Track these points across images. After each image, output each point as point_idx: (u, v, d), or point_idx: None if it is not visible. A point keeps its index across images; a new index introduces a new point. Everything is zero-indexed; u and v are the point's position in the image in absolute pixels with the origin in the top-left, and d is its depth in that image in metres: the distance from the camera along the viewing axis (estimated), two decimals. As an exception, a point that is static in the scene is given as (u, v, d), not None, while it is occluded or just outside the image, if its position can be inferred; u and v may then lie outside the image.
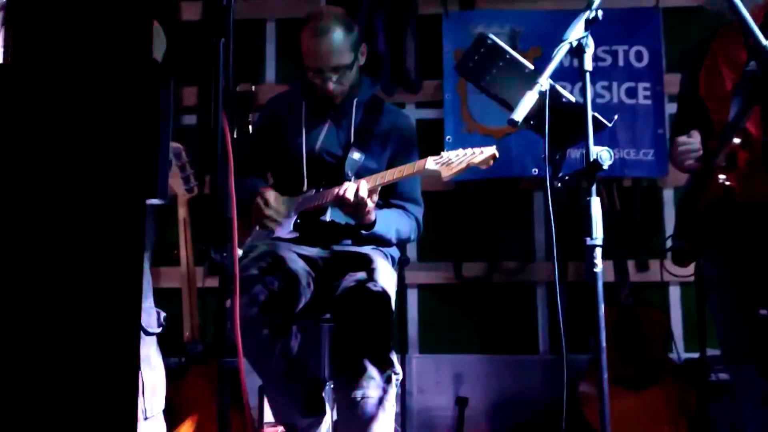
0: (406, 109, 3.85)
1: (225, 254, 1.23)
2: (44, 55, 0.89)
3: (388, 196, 2.48)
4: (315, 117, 2.53)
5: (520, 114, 1.53)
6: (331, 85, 2.40)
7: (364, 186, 2.15)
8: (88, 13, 0.92)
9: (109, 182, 0.90)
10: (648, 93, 3.75)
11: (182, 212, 3.02)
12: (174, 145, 3.10)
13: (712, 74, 2.35)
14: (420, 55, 3.87)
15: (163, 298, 3.73)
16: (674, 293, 3.71)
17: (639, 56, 3.78)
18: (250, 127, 3.81)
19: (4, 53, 0.90)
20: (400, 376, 2.12)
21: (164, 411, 1.92)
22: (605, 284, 3.52)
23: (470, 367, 3.75)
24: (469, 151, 2.09)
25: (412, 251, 3.82)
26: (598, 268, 1.64)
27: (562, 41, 1.64)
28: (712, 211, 2.28)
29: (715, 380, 3.29)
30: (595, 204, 1.66)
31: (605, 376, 1.60)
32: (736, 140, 2.15)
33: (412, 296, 3.81)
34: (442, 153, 2.13)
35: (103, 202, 0.89)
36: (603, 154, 1.62)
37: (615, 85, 3.75)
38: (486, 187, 3.81)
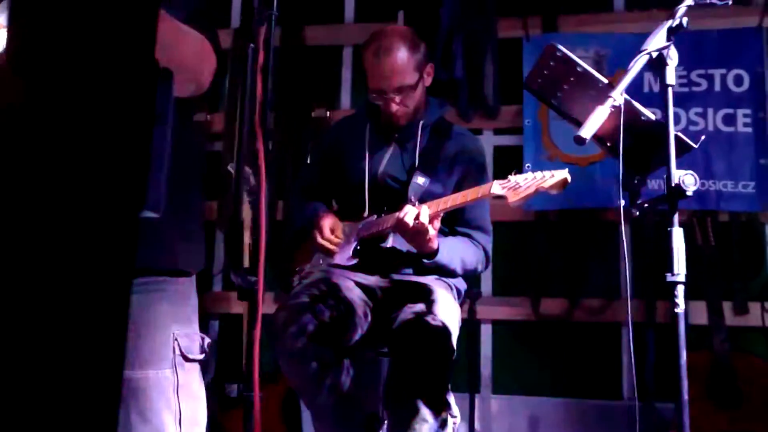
0: (484, 135, 3.71)
1: (243, 276, 1.12)
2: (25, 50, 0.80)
3: (455, 224, 2.33)
4: (379, 140, 2.42)
5: (588, 130, 1.36)
6: (394, 107, 2.28)
7: (425, 211, 2.02)
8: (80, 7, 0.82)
9: (89, 191, 0.78)
10: (749, 120, 3.45)
11: (247, 236, 2.96)
12: (245, 169, 3.06)
13: None
14: (499, 79, 3.72)
15: (230, 324, 3.74)
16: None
17: (738, 80, 3.49)
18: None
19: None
20: (458, 420, 1.95)
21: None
22: (698, 327, 3.31)
23: (547, 411, 3.50)
24: (539, 174, 1.92)
25: (486, 284, 3.63)
26: (680, 308, 1.43)
27: (641, 51, 1.47)
28: None
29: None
30: (677, 235, 1.46)
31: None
32: None
33: (486, 332, 3.61)
34: (510, 177, 1.97)
35: (80, 213, 0.78)
36: (687, 179, 1.42)
37: (710, 111, 3.47)
38: (568, 217, 3.59)
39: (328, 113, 3.81)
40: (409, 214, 2.02)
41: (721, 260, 3.27)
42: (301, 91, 3.89)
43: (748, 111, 3.45)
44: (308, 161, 3.75)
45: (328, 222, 2.32)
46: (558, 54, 1.55)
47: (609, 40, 3.59)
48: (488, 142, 3.71)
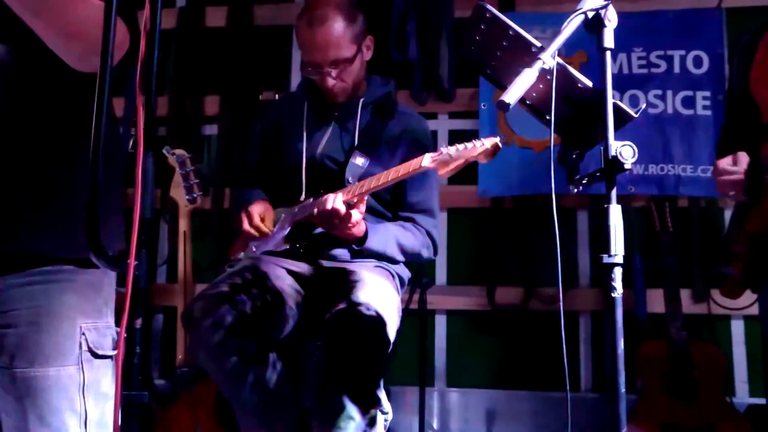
0: (439, 119, 3.59)
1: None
2: None
3: (397, 208, 2.19)
4: (318, 119, 2.28)
5: (512, 95, 1.23)
6: (330, 82, 2.13)
7: (339, 199, 1.88)
8: None
9: None
10: (708, 103, 3.36)
11: (183, 224, 2.80)
12: (179, 152, 2.90)
13: (765, 67, 1.98)
14: (454, 61, 3.58)
15: (174, 317, 3.56)
16: (737, 328, 3.27)
17: (698, 62, 3.40)
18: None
19: None
20: (390, 416, 1.81)
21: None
22: (655, 316, 3.21)
23: (504, 404, 3.39)
24: (469, 144, 1.80)
25: (441, 273, 3.50)
26: (618, 292, 1.31)
27: (576, 11, 1.33)
28: (764, 234, 1.91)
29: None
30: (615, 213, 1.34)
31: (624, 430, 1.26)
32: None
33: (440, 323, 3.49)
34: (441, 149, 1.84)
35: None
36: (625, 150, 1.30)
37: (670, 93, 3.37)
38: (524, 204, 3.48)
39: (277, 96, 3.64)
40: (327, 201, 1.89)
41: (680, 246, 3.17)
42: (249, 73, 3.72)
43: (707, 93, 3.36)
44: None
45: (257, 208, 2.18)
46: (488, 15, 1.41)
47: (566, 20, 3.46)
48: (443, 125, 3.59)
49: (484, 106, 3.56)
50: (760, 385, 3.09)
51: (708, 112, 3.35)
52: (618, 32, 1.41)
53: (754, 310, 2.53)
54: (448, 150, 1.82)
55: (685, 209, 3.35)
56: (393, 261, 2.15)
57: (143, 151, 1.02)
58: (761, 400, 2.99)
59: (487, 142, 1.78)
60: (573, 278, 3.45)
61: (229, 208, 3.59)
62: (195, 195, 2.81)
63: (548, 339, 3.43)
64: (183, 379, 2.46)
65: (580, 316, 3.42)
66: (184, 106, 3.73)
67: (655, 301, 3.23)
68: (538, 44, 1.40)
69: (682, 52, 3.41)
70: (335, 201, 1.88)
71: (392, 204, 2.21)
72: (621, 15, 1.43)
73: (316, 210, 1.92)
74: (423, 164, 1.85)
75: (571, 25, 1.32)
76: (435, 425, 3.39)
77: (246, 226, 2.13)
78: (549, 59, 1.26)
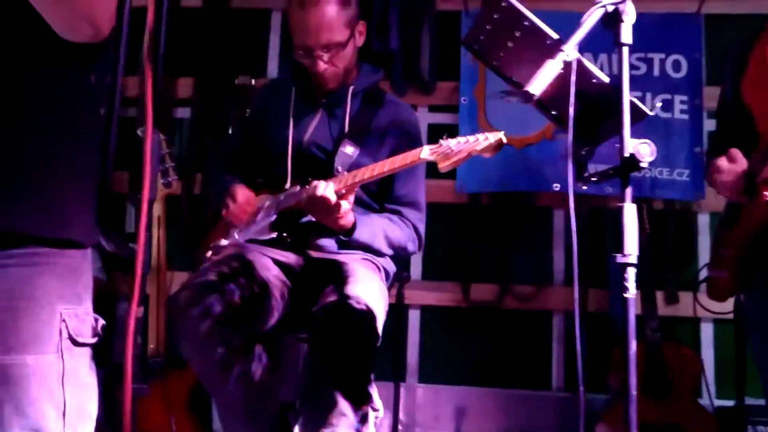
0: (418, 112, 3.52)
1: (126, 245, 0.90)
2: None
3: (384, 200, 2.14)
4: (305, 106, 2.21)
5: (537, 86, 1.18)
6: (322, 66, 2.07)
7: (330, 187, 1.82)
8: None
9: None
10: (685, 107, 3.39)
11: (157, 209, 2.70)
12: (158, 135, 2.80)
13: (759, 75, 1.99)
14: (436, 54, 3.54)
15: (141, 305, 3.46)
16: (707, 331, 3.31)
17: (677, 66, 3.43)
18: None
19: None
20: (381, 414, 1.77)
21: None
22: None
23: (475, 401, 3.37)
24: (471, 137, 1.76)
25: (416, 268, 3.47)
26: (631, 293, 1.28)
27: (595, 3, 1.30)
28: (757, 236, 1.91)
29: (755, 434, 2.89)
30: (630, 212, 1.31)
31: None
32: None
33: (414, 318, 3.45)
34: (441, 141, 1.79)
35: None
36: (642, 148, 1.27)
37: (649, 96, 3.39)
38: (501, 201, 3.46)
39: (253, 81, 3.55)
40: (318, 188, 1.83)
41: (656, 249, 3.19)
42: (225, 57, 3.62)
43: (685, 98, 3.39)
44: (230, 131, 3.50)
45: (241, 192, 2.10)
46: (503, 4, 1.37)
47: (550, 18, 3.44)
48: (422, 119, 3.52)
49: (464, 100, 3.53)
50: (727, 387, 3.13)
51: (685, 116, 3.38)
52: (600, 33, 1.38)
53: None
54: (448, 143, 1.78)
55: (660, 212, 3.38)
56: (379, 254, 2.10)
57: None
58: (729, 402, 3.03)
59: (491, 137, 1.75)
60: (548, 277, 3.45)
61: (201, 193, 3.49)
62: (170, 179, 2.72)
63: (522, 337, 3.43)
64: (156, 369, 2.38)
65: (554, 315, 3.42)
66: (157, 87, 3.60)
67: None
68: (555, 36, 1.36)
69: (662, 56, 3.44)
70: (326, 189, 1.82)
71: (379, 195, 2.16)
72: (575, 15, 1.41)
73: (305, 195, 1.86)
74: (422, 156, 1.80)
75: (590, 19, 1.28)
76: (404, 420, 3.36)
77: (232, 206, 2.06)
78: (572, 51, 1.22)
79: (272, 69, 3.68)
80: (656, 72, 3.41)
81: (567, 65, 1.26)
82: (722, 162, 1.90)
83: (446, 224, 3.49)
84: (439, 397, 3.38)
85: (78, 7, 1.11)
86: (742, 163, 1.89)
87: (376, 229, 2.03)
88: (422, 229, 2.21)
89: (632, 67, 3.39)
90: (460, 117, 3.50)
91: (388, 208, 2.14)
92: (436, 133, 3.66)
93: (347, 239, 1.95)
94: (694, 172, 3.34)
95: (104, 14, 1.19)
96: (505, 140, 1.74)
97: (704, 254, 3.36)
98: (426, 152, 1.80)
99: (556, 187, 3.40)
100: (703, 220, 3.39)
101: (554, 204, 3.49)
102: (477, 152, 1.74)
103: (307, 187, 2.07)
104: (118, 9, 1.14)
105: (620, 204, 1.32)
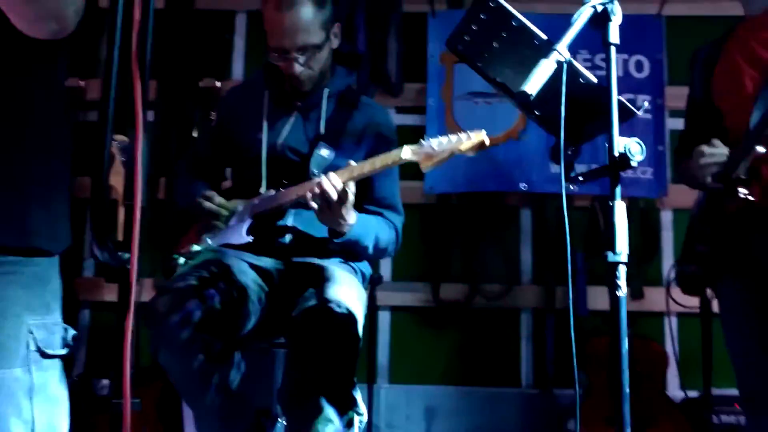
0: (385, 114, 3.53)
1: (118, 254, 0.86)
2: None
3: (362, 201, 2.11)
4: (279, 109, 2.18)
5: (533, 85, 1.18)
6: (297, 68, 2.04)
7: (337, 178, 1.80)
8: None
9: None
10: (648, 107, 3.46)
11: (122, 215, 2.62)
12: (120, 138, 2.72)
13: (729, 75, 2.05)
14: (403, 56, 3.55)
15: (103, 313, 3.37)
16: (671, 325, 3.37)
17: (639, 66, 3.51)
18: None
19: None
20: (365, 418, 1.75)
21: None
22: (596, 313, 3.28)
23: (445, 400, 3.38)
24: (453, 137, 1.75)
25: (385, 269, 3.46)
26: (622, 291, 1.30)
27: (584, 3, 1.31)
28: (730, 231, 1.96)
29: (718, 423, 2.96)
30: (620, 210, 1.32)
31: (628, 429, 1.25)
32: (761, 149, 1.83)
33: (384, 319, 3.45)
34: (422, 141, 1.79)
35: None
36: (633, 147, 1.28)
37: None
38: (469, 201, 3.48)
39: (217, 84, 3.50)
40: (328, 182, 1.79)
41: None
42: (189, 59, 3.56)
43: (648, 97, 3.46)
44: (194, 134, 3.44)
45: (214, 194, 2.07)
46: (491, 4, 1.37)
47: (537, 20, 3.48)
48: (390, 120, 3.54)
49: (431, 102, 3.54)
50: (690, 379, 3.20)
51: (648, 116, 3.45)
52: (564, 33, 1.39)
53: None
54: (429, 143, 1.77)
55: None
56: (363, 256, 2.08)
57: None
58: (693, 393, 3.11)
59: (474, 136, 1.74)
60: (515, 276, 3.48)
61: (165, 198, 3.42)
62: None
63: (491, 335, 3.46)
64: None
65: (522, 313, 3.46)
66: (119, 90, 3.52)
67: (596, 299, 3.30)
68: (544, 36, 1.37)
69: (625, 56, 3.50)
70: (338, 181, 1.79)
71: (357, 196, 2.14)
72: (566, 17, 1.43)
73: (315, 189, 1.81)
74: (403, 156, 1.79)
75: (581, 19, 1.29)
76: (375, 421, 3.35)
77: (208, 204, 2.01)
78: (565, 51, 1.23)
79: (237, 71, 3.64)
80: (620, 72, 3.46)
81: (562, 63, 1.26)
82: (704, 146, 1.94)
83: (415, 225, 3.49)
84: (410, 397, 3.38)
85: (46, 3, 1.06)
86: (723, 150, 1.92)
87: (370, 228, 2.01)
88: (401, 231, 2.20)
89: (596, 67, 3.44)
90: (427, 118, 3.52)
91: (369, 209, 2.12)
92: (403, 135, 3.67)
93: (340, 240, 1.91)
94: (657, 170, 3.42)
95: (71, 8, 1.14)
96: (488, 140, 1.74)
97: (667, 250, 3.44)
98: (408, 152, 1.79)
99: (524, 186, 3.44)
100: (666, 217, 3.46)
101: (521, 203, 3.53)
102: (460, 152, 1.73)
103: (281, 190, 2.04)
104: (111, 9, 1.09)
105: (611, 203, 1.33)
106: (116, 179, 2.70)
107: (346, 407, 1.69)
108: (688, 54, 3.22)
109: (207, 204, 2.08)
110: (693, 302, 2.62)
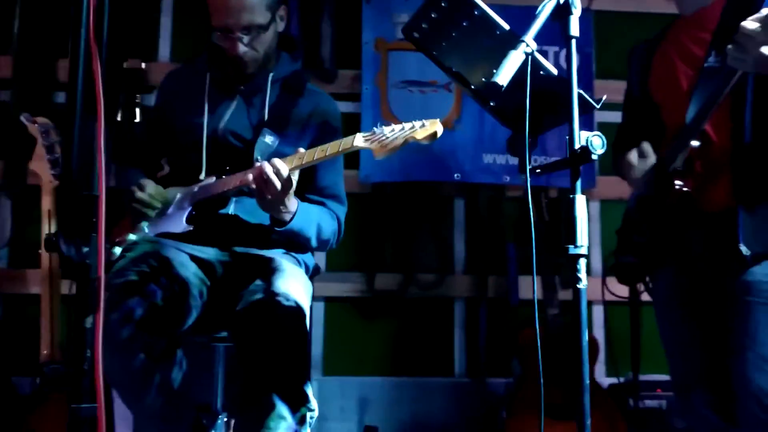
0: (320, 100, 3.46)
1: (82, 248, 0.79)
2: None
3: (305, 191, 2.06)
4: (221, 93, 2.10)
5: (504, 77, 1.17)
6: (241, 48, 1.97)
7: (284, 164, 1.74)
8: None
9: None
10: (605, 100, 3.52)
11: (47, 202, 2.48)
12: (41, 120, 2.56)
13: (665, 72, 2.10)
14: (337, 42, 3.48)
15: (20, 306, 3.18)
16: (597, 313, 3.48)
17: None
18: (137, 110, 3.30)
19: None
20: (316, 413, 1.71)
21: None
22: (528, 302, 3.34)
23: (379, 391, 3.37)
24: (407, 125, 1.72)
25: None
26: (583, 283, 1.30)
27: (542, -2, 1.30)
28: (666, 224, 2.02)
29: (643, 407, 3.07)
30: (581, 204, 1.32)
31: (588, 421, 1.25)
32: (695, 143, 1.89)
33: (318, 310, 3.39)
34: (374, 129, 1.75)
35: None
36: (594, 140, 1.29)
37: (544, 87, 3.49)
38: (404, 191, 3.47)
39: (143, 65, 3.35)
40: (270, 167, 1.73)
41: (552, 235, 3.31)
42: (113, 40, 3.37)
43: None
44: (119, 118, 3.28)
45: (148, 183, 1.97)
46: (455, -8, 1.34)
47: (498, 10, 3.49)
48: (324, 107, 3.48)
49: (366, 89, 3.50)
50: (616, 366, 3.30)
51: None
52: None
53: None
54: (382, 130, 1.74)
55: (555, 200, 3.50)
56: (306, 247, 2.02)
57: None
58: (614, 380, 3.21)
59: (428, 124, 1.72)
60: (449, 265, 3.50)
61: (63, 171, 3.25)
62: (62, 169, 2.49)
63: (425, 325, 3.47)
64: (53, 378, 2.18)
65: (456, 302, 3.48)
66: (33, 69, 3.32)
67: (528, 288, 3.36)
68: (507, 26, 1.35)
69: (556, 48, 3.56)
70: (284, 168, 1.73)
71: (299, 187, 2.08)
72: (499, 7, 1.43)
73: (256, 174, 1.74)
74: (355, 144, 1.75)
75: (545, 11, 1.28)
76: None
77: (139, 194, 1.92)
78: (532, 43, 1.22)
79: (164, 52, 3.48)
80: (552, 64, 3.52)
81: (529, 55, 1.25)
82: (633, 157, 1.99)
83: (350, 214, 3.44)
84: (343, 389, 3.35)
85: None
86: (652, 158, 1.98)
87: (312, 218, 1.95)
88: (343, 222, 2.16)
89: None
90: (362, 105, 3.47)
91: (311, 199, 2.07)
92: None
93: (284, 228, 1.85)
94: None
95: None
96: (441, 129, 1.72)
97: (594, 240, 3.52)
98: (360, 140, 1.75)
99: (458, 176, 3.46)
100: (594, 209, 3.55)
101: (456, 193, 3.54)
102: (415, 139, 1.70)
103: (224, 177, 1.97)
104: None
105: (571, 196, 1.33)
106: (38, 164, 2.55)
107: (298, 404, 1.65)
108: (615, 48, 3.33)
109: (138, 193, 1.98)
110: (622, 291, 2.69)
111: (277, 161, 1.76)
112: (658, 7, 3.23)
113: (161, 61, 3.46)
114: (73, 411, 0.97)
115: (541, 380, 1.39)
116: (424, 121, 1.71)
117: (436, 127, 1.69)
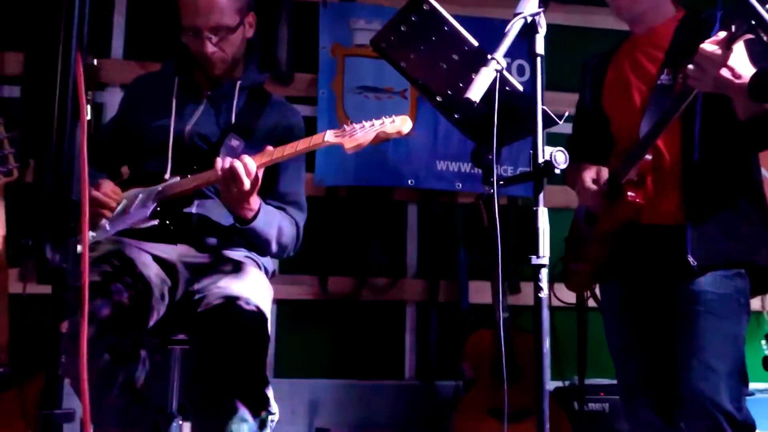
0: (275, 103, 3.47)
1: (65, 254, 0.79)
2: None
3: (266, 196, 2.07)
4: (188, 96, 2.10)
5: (476, 92, 1.21)
6: (210, 48, 1.98)
7: (252, 162, 1.75)
8: None
9: None
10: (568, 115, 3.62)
11: (-1, 208, 2.41)
12: (-9, 119, 2.49)
13: (618, 86, 2.18)
14: (293, 45, 3.50)
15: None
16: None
17: (521, 70, 3.67)
18: (88, 107, 3.23)
19: None
20: (276, 417, 1.72)
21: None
22: (477, 306, 3.41)
23: (329, 394, 3.39)
24: (377, 120, 1.77)
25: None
26: (544, 292, 1.35)
27: (516, 14, 1.35)
28: (618, 233, 2.10)
29: (588, 410, 3.17)
30: (543, 216, 1.38)
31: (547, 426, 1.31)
32: (648, 156, 1.98)
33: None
34: (344, 126, 1.79)
35: None
36: (558, 156, 1.34)
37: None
38: (359, 195, 3.50)
39: (95, 62, 3.29)
40: (239, 162, 1.74)
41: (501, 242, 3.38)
42: (60, 34, 3.30)
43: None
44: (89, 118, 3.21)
45: (104, 182, 1.96)
46: (425, 7, 1.38)
47: (466, 23, 3.53)
48: (279, 110, 3.48)
49: (322, 93, 3.52)
50: (558, 370, 3.41)
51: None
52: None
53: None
54: (352, 127, 1.77)
55: (504, 207, 3.59)
56: (266, 250, 2.03)
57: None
58: (559, 383, 3.31)
59: (398, 120, 1.77)
60: (401, 269, 3.54)
61: (35, 182, 3.18)
62: (10, 166, 2.43)
63: (377, 328, 3.50)
64: (1, 380, 2.12)
65: (407, 306, 3.53)
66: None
67: (477, 293, 3.43)
68: (475, 43, 1.40)
69: (509, 60, 3.64)
70: (252, 165, 1.74)
71: (260, 190, 2.09)
72: (455, 18, 1.48)
73: (225, 168, 1.75)
74: (326, 140, 1.77)
75: (514, 28, 1.33)
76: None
77: (95, 192, 1.89)
78: (502, 60, 1.27)
79: (117, 49, 3.44)
80: (504, 75, 3.61)
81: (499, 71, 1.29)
82: (588, 177, 2.05)
83: (304, 217, 3.47)
84: (294, 391, 3.35)
85: None
86: (604, 177, 2.05)
87: (273, 220, 1.96)
88: (302, 229, 2.17)
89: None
90: (318, 109, 3.50)
91: (271, 204, 2.08)
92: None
93: (244, 227, 1.85)
94: (535, 170, 3.59)
95: None
96: (410, 125, 1.77)
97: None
98: (330, 136, 1.78)
99: (411, 182, 3.51)
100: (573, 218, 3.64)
101: (409, 199, 3.59)
102: (386, 134, 1.75)
103: (201, 173, 1.96)
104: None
105: (534, 208, 1.38)
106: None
107: (259, 407, 1.66)
108: (563, 61, 3.43)
109: (93, 192, 1.96)
110: (569, 297, 2.78)
111: (246, 158, 1.77)
112: (605, 24, 3.37)
113: (114, 58, 3.41)
114: (46, 417, 0.97)
115: (505, 384, 1.42)
116: (393, 116, 1.76)
117: (406, 122, 1.74)
